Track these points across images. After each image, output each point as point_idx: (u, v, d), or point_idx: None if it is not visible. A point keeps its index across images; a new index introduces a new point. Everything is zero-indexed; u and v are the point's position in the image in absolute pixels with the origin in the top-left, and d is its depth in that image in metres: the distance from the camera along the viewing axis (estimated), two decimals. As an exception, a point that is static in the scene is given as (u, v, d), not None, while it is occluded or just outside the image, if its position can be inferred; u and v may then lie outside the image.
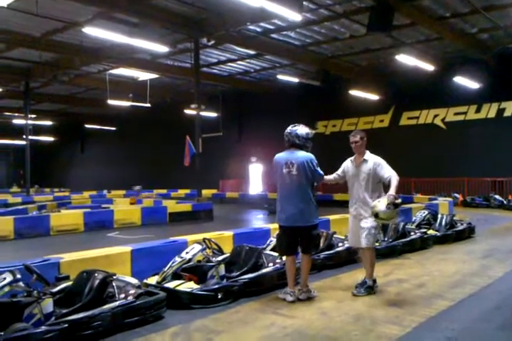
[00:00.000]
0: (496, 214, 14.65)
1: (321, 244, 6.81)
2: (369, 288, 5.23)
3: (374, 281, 5.40)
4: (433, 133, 19.65)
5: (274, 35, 16.11)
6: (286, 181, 5.07)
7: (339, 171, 5.61)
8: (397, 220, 5.09)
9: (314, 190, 5.17)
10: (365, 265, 5.36)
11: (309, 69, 20.42)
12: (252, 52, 18.03)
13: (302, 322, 4.34)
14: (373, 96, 19.70)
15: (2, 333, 3.48)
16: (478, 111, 18.66)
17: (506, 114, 17.96)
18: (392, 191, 5.02)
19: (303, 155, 5.08)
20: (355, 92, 19.18)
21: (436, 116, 19.83)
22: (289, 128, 5.15)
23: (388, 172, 5.21)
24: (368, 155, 5.38)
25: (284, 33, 15.85)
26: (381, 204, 4.90)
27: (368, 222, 5.24)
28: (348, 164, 5.54)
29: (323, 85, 19.26)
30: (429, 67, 16.10)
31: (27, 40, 15.79)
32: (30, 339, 3.51)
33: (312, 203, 5.09)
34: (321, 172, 5.18)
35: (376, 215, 4.93)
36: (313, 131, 5.27)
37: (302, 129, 5.11)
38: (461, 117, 19.13)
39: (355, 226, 5.43)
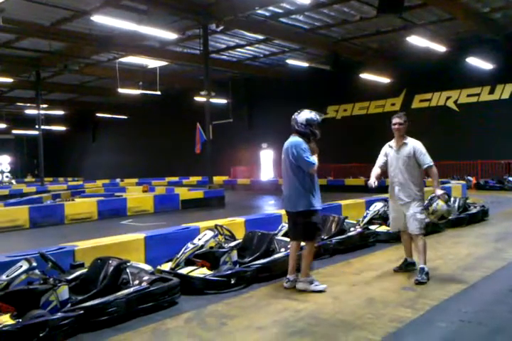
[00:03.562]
0: (509, 196, 14.51)
1: (333, 230, 6.85)
2: (427, 274, 5.07)
3: (414, 264, 5.45)
4: (446, 115, 19.41)
5: (282, 19, 15.93)
6: (282, 166, 5.11)
7: (380, 159, 5.44)
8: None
9: (310, 176, 4.87)
10: (419, 252, 5.23)
11: (319, 54, 20.22)
12: (260, 37, 17.87)
13: (315, 306, 4.36)
14: (384, 80, 19.46)
15: (20, 319, 3.56)
16: (491, 92, 18.39)
17: (520, 95, 17.70)
18: (439, 189, 5.06)
19: (291, 140, 5.00)
20: (365, 76, 18.96)
21: (448, 98, 19.57)
22: (294, 114, 5.07)
23: (426, 160, 5.15)
24: (408, 138, 5.30)
25: (293, 16, 15.66)
26: (440, 205, 4.90)
27: (411, 208, 5.15)
28: (386, 149, 5.44)
29: (333, 69, 19.08)
30: (441, 48, 15.84)
31: (36, 30, 15.81)
32: (47, 326, 3.59)
33: (301, 189, 4.85)
34: (309, 159, 4.79)
35: (442, 217, 4.91)
36: (320, 117, 4.99)
37: (303, 115, 4.95)
38: (474, 99, 18.86)
39: (395, 211, 5.39)
